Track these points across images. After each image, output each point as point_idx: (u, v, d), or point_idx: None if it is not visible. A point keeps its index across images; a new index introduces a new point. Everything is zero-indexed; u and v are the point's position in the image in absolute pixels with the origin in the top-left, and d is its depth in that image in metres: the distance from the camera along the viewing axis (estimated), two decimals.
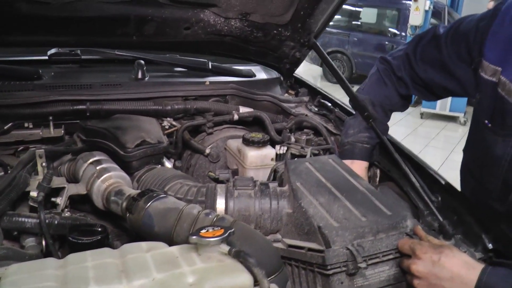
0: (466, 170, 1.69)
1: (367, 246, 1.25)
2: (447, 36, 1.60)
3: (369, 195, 1.44)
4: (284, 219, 1.47)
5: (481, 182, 1.52)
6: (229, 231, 1.08)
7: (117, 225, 1.66)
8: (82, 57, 2.52)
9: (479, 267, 1.12)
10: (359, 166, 1.81)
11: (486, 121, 1.44)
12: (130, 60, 2.51)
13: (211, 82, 2.43)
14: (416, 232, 1.28)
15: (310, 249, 1.28)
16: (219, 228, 1.10)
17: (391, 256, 1.29)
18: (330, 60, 2.39)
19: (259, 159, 1.86)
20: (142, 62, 2.43)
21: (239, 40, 2.37)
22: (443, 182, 1.64)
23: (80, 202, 1.70)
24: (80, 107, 2.04)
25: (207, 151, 2.07)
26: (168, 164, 1.99)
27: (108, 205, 1.54)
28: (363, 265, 1.19)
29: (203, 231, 1.09)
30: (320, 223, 1.29)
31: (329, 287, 1.23)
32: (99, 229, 1.41)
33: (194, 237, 1.07)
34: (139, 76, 2.39)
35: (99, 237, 1.39)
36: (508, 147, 1.38)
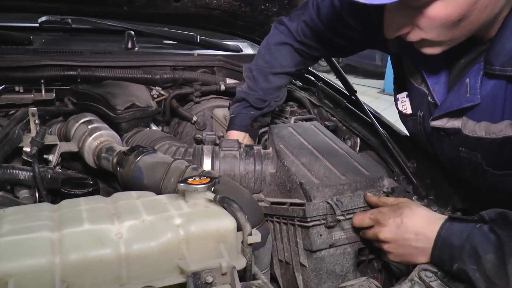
0: None
1: (345, 201, 1.32)
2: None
3: (348, 157, 1.52)
4: (267, 179, 1.55)
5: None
6: (214, 180, 1.15)
7: (108, 184, 1.72)
8: (73, 26, 2.55)
9: (439, 222, 1.17)
10: (237, 136, 1.82)
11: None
12: (121, 30, 2.56)
13: (199, 55, 2.49)
14: (367, 200, 1.34)
15: (292, 204, 1.36)
16: (206, 177, 1.17)
17: None
18: None
19: None
20: (132, 32, 2.48)
21: (227, 14, 2.41)
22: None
23: (71, 160, 1.76)
24: (71, 73, 2.09)
25: (194, 118, 2.14)
26: (155, 127, 2.05)
27: (99, 162, 1.60)
28: (341, 217, 1.27)
29: (191, 179, 1.17)
30: (301, 180, 1.36)
31: (309, 239, 1.30)
32: (91, 182, 1.48)
33: (182, 184, 1.13)
34: (129, 46, 2.45)
35: (91, 189, 1.46)
36: (417, 124, 1.45)
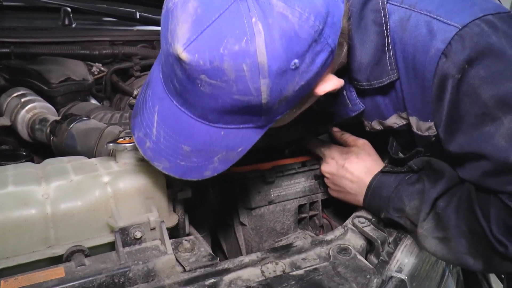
0: None
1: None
2: None
3: None
4: None
5: None
6: None
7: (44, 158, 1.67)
8: (4, 3, 2.46)
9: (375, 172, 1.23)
10: None
11: None
12: (56, 8, 2.47)
13: (139, 30, 2.44)
14: (332, 133, 1.37)
15: None
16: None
17: (306, 168, 1.38)
18: None
19: None
20: (69, 9, 2.41)
21: None
22: None
23: (5, 135, 1.70)
24: (4, 50, 2.00)
25: (135, 92, 2.09)
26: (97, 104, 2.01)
27: (33, 134, 1.55)
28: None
29: (120, 139, 1.15)
30: None
31: (248, 197, 1.30)
32: (24, 153, 1.44)
33: (111, 144, 1.11)
34: (66, 22, 2.36)
35: (24, 161, 1.41)
36: None
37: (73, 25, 2.39)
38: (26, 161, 1.40)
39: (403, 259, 1.12)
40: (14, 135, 1.66)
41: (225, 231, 1.47)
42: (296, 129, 1.42)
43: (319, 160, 1.37)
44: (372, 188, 1.20)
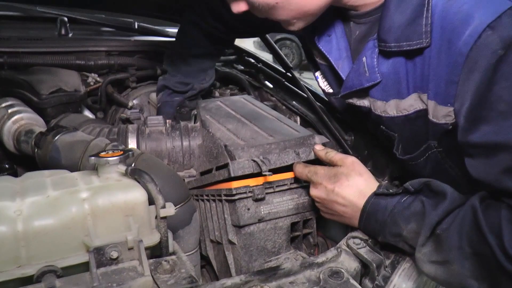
0: None
1: (273, 158, 1.24)
2: None
3: (278, 121, 1.45)
4: (196, 152, 1.48)
5: None
6: (128, 152, 1.08)
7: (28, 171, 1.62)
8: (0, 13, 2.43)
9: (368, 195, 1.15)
10: None
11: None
12: (53, 18, 2.44)
13: (136, 40, 2.40)
14: (315, 153, 1.28)
15: (218, 167, 1.29)
16: (119, 150, 1.09)
17: (299, 184, 1.30)
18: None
19: None
20: (65, 19, 2.37)
21: None
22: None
23: None
24: None
25: (130, 104, 2.04)
26: (89, 115, 1.96)
27: (19, 146, 1.50)
28: (268, 173, 1.18)
29: (103, 153, 1.09)
30: (226, 143, 1.29)
31: (236, 214, 1.23)
32: (7, 166, 1.38)
33: (92, 158, 1.06)
34: (62, 32, 2.33)
35: (6, 174, 1.36)
36: (341, 103, 1.42)
37: (70, 35, 2.35)
38: (8, 174, 1.35)
39: (400, 284, 1.05)
40: (0, 147, 1.60)
41: (215, 249, 1.40)
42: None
43: None
44: (367, 213, 1.13)
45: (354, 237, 1.11)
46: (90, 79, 2.14)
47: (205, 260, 1.47)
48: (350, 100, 1.29)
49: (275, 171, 1.24)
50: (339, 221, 1.23)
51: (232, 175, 1.19)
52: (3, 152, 1.61)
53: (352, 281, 0.95)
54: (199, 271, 1.38)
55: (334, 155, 1.23)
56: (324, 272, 0.97)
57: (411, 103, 1.12)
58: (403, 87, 1.12)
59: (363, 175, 1.18)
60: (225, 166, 1.23)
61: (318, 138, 1.34)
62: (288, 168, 1.28)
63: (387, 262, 1.08)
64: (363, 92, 1.22)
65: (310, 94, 1.82)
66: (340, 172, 1.18)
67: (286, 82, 2.06)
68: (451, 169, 1.20)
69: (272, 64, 2.25)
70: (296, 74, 2.05)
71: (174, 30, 2.67)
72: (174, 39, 2.38)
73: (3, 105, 1.63)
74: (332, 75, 1.38)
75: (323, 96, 1.82)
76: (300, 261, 0.99)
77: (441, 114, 1.04)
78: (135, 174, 1.02)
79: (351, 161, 1.19)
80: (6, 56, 1.97)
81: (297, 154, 1.27)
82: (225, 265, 1.32)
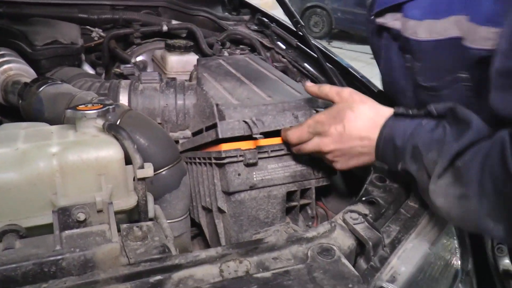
0: None
1: (267, 120, 1.13)
2: None
3: (280, 81, 1.33)
4: (191, 112, 1.37)
5: None
6: (108, 106, 0.98)
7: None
8: None
9: (383, 121, 1.03)
10: None
11: None
12: None
13: None
14: (307, 89, 1.16)
15: (207, 128, 1.19)
16: (99, 104, 1.00)
17: None
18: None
19: (180, 64, 1.75)
20: None
21: None
22: (375, 90, 1.56)
23: None
24: None
25: (133, 60, 1.95)
26: (90, 71, 1.87)
27: (6, 96, 1.42)
28: (258, 136, 1.07)
29: (82, 106, 1.00)
30: (218, 102, 1.18)
31: (225, 179, 1.13)
32: None
33: (69, 110, 0.97)
34: None
35: None
36: (370, 29, 1.27)
37: None
38: None
39: (399, 266, 0.93)
40: None
41: (207, 217, 1.31)
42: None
43: None
44: (384, 137, 1.01)
45: (352, 211, 0.99)
46: (94, 34, 2.07)
47: (199, 229, 1.39)
48: (383, 20, 1.15)
49: (271, 134, 1.13)
50: (358, 165, 1.10)
51: (220, 136, 1.09)
52: None
53: (344, 260, 0.83)
54: (189, 239, 1.30)
55: (329, 89, 1.12)
56: (313, 249, 0.86)
57: (446, 27, 0.99)
58: (444, 3, 0.99)
59: (366, 102, 1.07)
60: (214, 126, 1.12)
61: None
62: None
63: (387, 241, 0.97)
64: (397, 9, 1.09)
65: (320, 55, 1.70)
66: (342, 107, 1.08)
67: (298, 43, 1.93)
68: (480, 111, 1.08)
69: (287, 24, 2.12)
70: (325, 43, 1.93)
71: None
72: None
73: None
74: None
75: (334, 57, 1.71)
76: (287, 235, 0.89)
77: (481, 35, 0.92)
78: (112, 129, 0.93)
79: (348, 93, 1.09)
80: (5, 6, 1.89)
81: (296, 117, 1.15)
82: (216, 234, 1.23)
